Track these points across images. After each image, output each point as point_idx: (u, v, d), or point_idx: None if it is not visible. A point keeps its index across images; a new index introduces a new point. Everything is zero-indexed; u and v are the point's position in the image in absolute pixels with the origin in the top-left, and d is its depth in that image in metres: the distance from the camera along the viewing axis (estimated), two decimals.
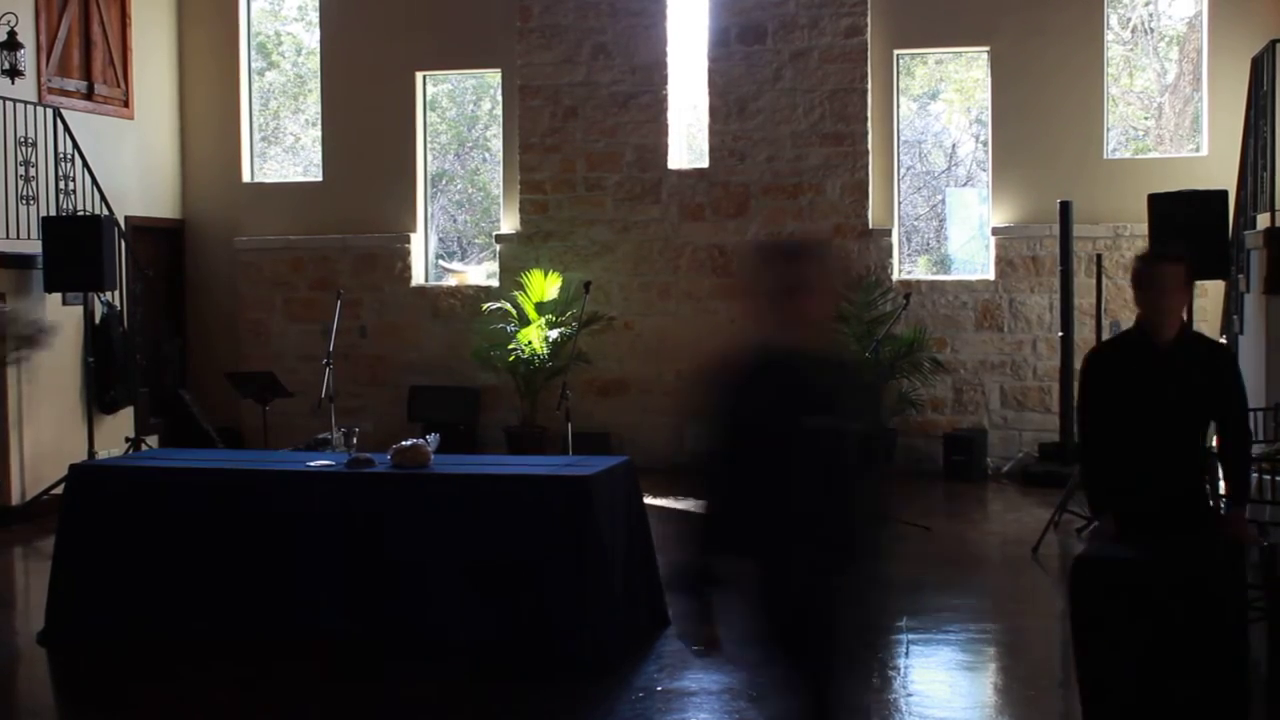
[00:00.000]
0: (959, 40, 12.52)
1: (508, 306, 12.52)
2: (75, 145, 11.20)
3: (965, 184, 16.73)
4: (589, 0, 12.64)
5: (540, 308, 12.41)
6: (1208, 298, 11.23)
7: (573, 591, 6.23)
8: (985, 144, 13.23)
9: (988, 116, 12.55)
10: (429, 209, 13.55)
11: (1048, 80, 11.96)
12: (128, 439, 10.86)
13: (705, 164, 12.61)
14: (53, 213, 10.92)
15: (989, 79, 12.33)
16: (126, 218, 12.30)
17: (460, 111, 16.98)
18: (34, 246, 10.44)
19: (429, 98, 13.67)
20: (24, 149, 10.76)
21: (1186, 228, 8.90)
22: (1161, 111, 15.86)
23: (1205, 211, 8.99)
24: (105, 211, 11.34)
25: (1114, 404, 4.77)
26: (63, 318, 10.75)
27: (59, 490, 8.11)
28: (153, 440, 11.34)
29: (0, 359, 8.62)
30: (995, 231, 12.16)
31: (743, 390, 3.66)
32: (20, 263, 10.30)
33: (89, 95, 12.26)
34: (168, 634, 6.68)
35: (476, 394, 12.79)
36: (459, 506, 6.51)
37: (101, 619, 6.77)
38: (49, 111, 11.11)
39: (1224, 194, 9.26)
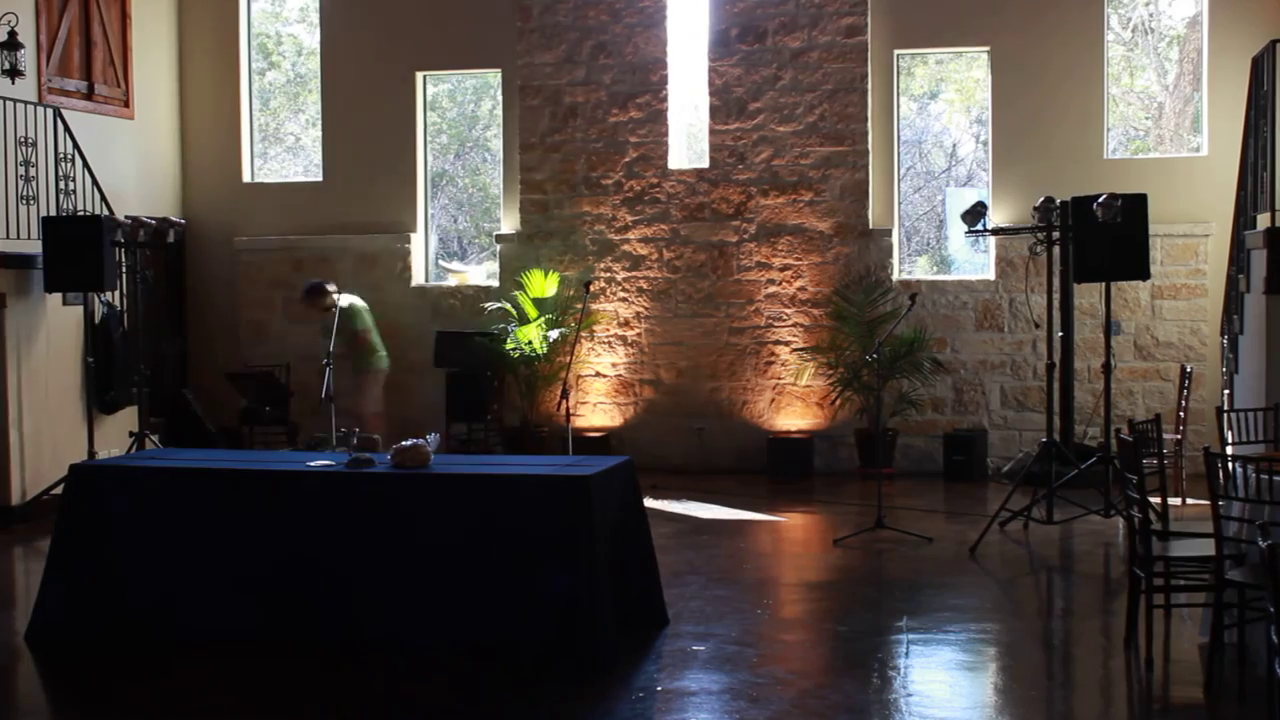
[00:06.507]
0: (959, 40, 12.51)
1: (507, 306, 12.53)
2: (75, 145, 11.20)
3: (965, 184, 16.73)
4: (589, 0, 12.65)
5: (540, 307, 12.41)
6: (1208, 297, 11.22)
7: (572, 591, 6.23)
8: (985, 144, 13.22)
9: (988, 116, 12.55)
10: (429, 209, 13.55)
11: (1048, 80, 11.96)
12: (131, 433, 10.85)
13: (705, 164, 12.61)
14: (53, 213, 10.91)
15: (989, 79, 12.33)
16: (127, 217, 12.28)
17: (460, 111, 16.98)
18: (34, 246, 10.44)
19: (429, 98, 13.67)
20: (24, 149, 10.76)
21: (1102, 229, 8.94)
22: (1161, 111, 15.85)
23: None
24: (105, 211, 11.34)
25: None
26: (63, 318, 10.77)
27: (59, 490, 8.10)
28: (154, 438, 11.31)
29: None
30: (995, 231, 12.13)
31: None
32: (20, 263, 10.29)
33: (89, 95, 12.26)
34: (167, 634, 6.68)
35: (500, 339, 12.35)
36: (459, 507, 6.51)
37: (100, 618, 6.76)
38: (49, 111, 11.11)
39: (1143, 198, 9.24)
